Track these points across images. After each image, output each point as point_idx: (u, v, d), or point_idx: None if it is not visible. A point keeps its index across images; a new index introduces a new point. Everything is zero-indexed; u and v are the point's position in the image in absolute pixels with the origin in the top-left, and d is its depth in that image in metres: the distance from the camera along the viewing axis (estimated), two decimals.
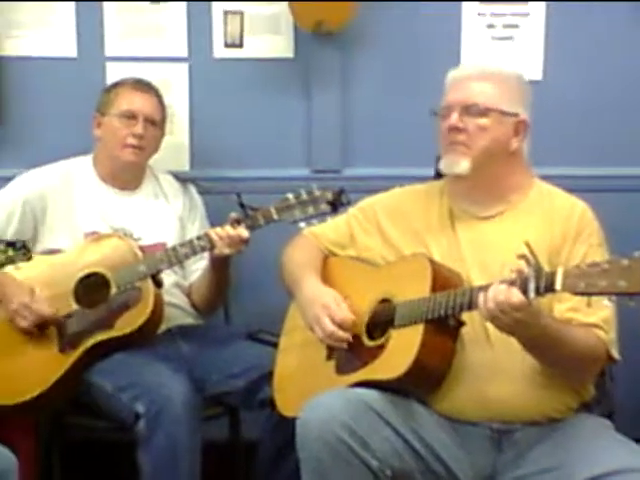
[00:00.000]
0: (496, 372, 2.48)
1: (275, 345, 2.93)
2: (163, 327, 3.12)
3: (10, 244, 2.53)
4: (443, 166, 2.66)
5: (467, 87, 2.63)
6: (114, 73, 3.45)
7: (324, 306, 2.65)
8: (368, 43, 3.53)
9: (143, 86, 3.26)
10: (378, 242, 2.76)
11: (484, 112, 2.60)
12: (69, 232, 3.17)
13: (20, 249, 2.56)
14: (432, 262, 2.56)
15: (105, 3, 3.49)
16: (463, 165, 2.61)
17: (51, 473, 3.15)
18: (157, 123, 3.23)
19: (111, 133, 3.20)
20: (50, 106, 3.53)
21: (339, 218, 2.91)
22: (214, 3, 3.49)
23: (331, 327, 2.62)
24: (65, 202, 3.20)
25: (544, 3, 3.51)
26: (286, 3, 3.37)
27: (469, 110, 2.60)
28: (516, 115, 2.62)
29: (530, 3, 3.51)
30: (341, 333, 2.62)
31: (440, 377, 2.50)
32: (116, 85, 3.27)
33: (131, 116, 3.18)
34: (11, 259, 2.55)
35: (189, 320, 3.26)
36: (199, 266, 3.26)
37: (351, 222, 2.85)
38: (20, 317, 2.99)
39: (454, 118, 2.61)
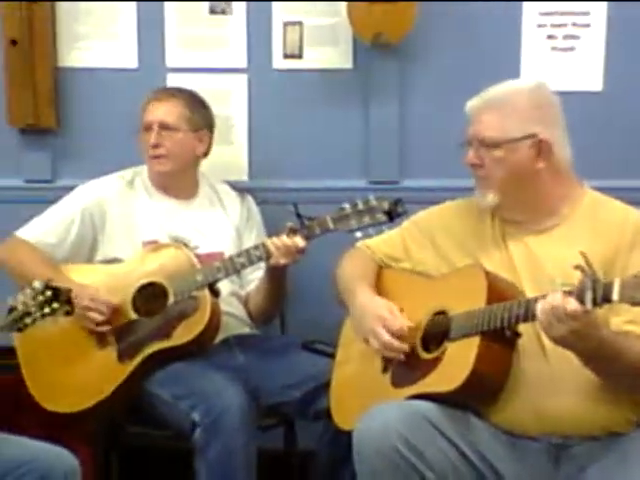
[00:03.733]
0: (553, 385, 2.45)
1: (330, 356, 2.93)
2: (220, 337, 3.13)
3: (55, 295, 2.56)
4: (475, 199, 2.67)
5: (477, 120, 2.63)
6: (174, 84, 3.47)
7: (379, 317, 2.64)
8: (427, 54, 3.52)
9: (160, 95, 3.28)
10: (432, 256, 2.75)
11: (495, 144, 2.58)
12: (128, 241, 3.20)
13: (65, 303, 2.58)
14: (487, 273, 2.55)
15: (166, 14, 3.52)
16: (490, 198, 2.62)
17: None
18: (173, 127, 3.21)
19: (142, 147, 3.26)
20: (111, 117, 3.57)
21: (392, 232, 2.90)
22: (274, 14, 3.51)
23: (387, 337, 2.61)
24: (124, 211, 3.24)
25: (605, 14, 3.48)
26: (345, 14, 3.37)
27: (482, 144, 2.60)
28: (532, 136, 2.57)
29: (591, 14, 3.48)
30: (397, 343, 2.61)
31: (497, 389, 2.48)
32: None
33: (147, 127, 3.23)
34: (53, 311, 2.57)
35: (245, 330, 3.27)
36: (256, 276, 3.26)
37: (405, 236, 2.85)
38: (94, 312, 3.02)
39: (470, 155, 2.62)
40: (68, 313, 2.61)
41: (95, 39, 3.53)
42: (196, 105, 3.27)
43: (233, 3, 3.50)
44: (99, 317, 3.03)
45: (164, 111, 3.22)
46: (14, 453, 2.59)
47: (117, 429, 3.13)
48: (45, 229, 3.20)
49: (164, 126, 3.20)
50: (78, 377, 3.03)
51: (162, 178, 3.27)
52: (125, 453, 3.19)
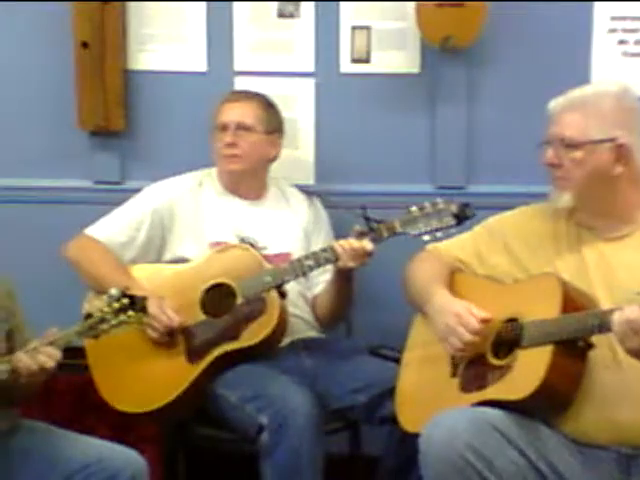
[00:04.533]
0: (625, 396, 2.42)
1: (396, 361, 2.92)
2: (287, 340, 3.14)
3: (131, 303, 2.59)
4: (550, 199, 2.65)
5: (559, 120, 2.61)
6: (242, 87, 3.49)
7: (456, 314, 2.62)
8: (495, 58, 3.50)
9: (236, 96, 3.31)
10: (505, 261, 2.73)
11: (575, 145, 2.56)
12: (196, 241, 3.22)
13: (140, 312, 2.61)
14: (563, 282, 2.52)
15: (235, 17, 3.53)
16: (565, 199, 2.61)
17: None
18: (250, 128, 3.23)
19: (214, 146, 3.28)
20: (179, 120, 3.59)
21: (463, 236, 2.88)
22: (342, 18, 3.51)
23: (469, 336, 2.59)
24: (192, 212, 3.26)
25: None
26: (414, 18, 3.37)
27: (562, 144, 2.58)
28: (612, 140, 2.55)
29: None
30: (477, 338, 2.59)
31: (568, 399, 2.46)
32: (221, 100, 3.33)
33: (223, 128, 3.24)
34: (129, 319, 2.60)
35: (312, 333, 3.27)
36: (323, 278, 3.26)
37: (477, 240, 2.83)
38: (150, 328, 3.04)
39: (549, 155, 2.60)
40: (142, 323, 2.65)
41: (164, 42, 3.56)
42: (269, 108, 3.29)
43: (302, 6, 3.50)
44: (154, 335, 3.04)
45: (241, 112, 3.24)
46: (83, 453, 2.62)
47: (184, 430, 3.13)
48: (115, 228, 3.23)
49: (241, 126, 3.22)
50: (147, 377, 3.04)
51: (233, 178, 3.28)
52: (192, 454, 3.20)
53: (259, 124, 3.25)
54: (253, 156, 3.25)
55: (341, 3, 3.50)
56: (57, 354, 2.50)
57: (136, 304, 2.59)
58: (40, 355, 2.48)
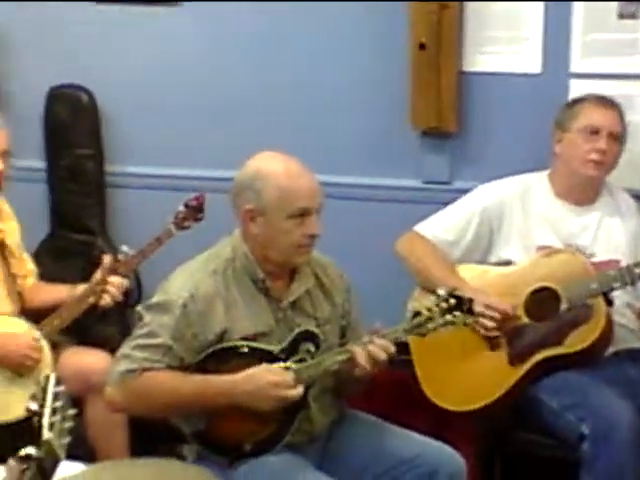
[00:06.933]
0: None
1: None
2: (610, 349, 3.06)
3: (458, 304, 2.62)
4: None
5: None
6: (576, 90, 3.42)
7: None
8: None
9: (606, 102, 3.22)
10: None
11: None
12: (522, 245, 3.20)
13: (466, 313, 2.63)
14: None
15: (574, 19, 3.46)
16: None
17: None
18: (619, 139, 3.17)
19: (572, 148, 3.18)
20: (510, 122, 3.58)
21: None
22: None
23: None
24: (521, 215, 3.23)
25: None
26: None
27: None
28: None
29: None
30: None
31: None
32: (578, 101, 3.25)
33: (594, 131, 3.15)
34: (455, 319, 2.62)
35: (637, 344, 3.16)
36: None
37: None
38: (486, 318, 3.03)
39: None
40: (466, 324, 2.67)
41: (501, 44, 3.55)
42: (624, 117, 3.24)
43: None
44: (490, 324, 3.04)
45: (613, 120, 3.18)
46: (404, 447, 2.70)
47: (501, 432, 3.12)
48: (444, 227, 3.26)
49: (612, 135, 3.16)
50: (469, 377, 3.06)
51: (583, 183, 3.22)
52: (509, 458, 3.18)
53: (623, 136, 3.20)
54: (612, 167, 3.21)
55: None
56: (390, 347, 2.58)
57: (463, 305, 2.62)
58: (373, 348, 2.57)
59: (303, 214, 2.61)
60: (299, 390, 2.57)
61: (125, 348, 2.64)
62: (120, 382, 2.60)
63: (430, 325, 2.62)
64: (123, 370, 2.60)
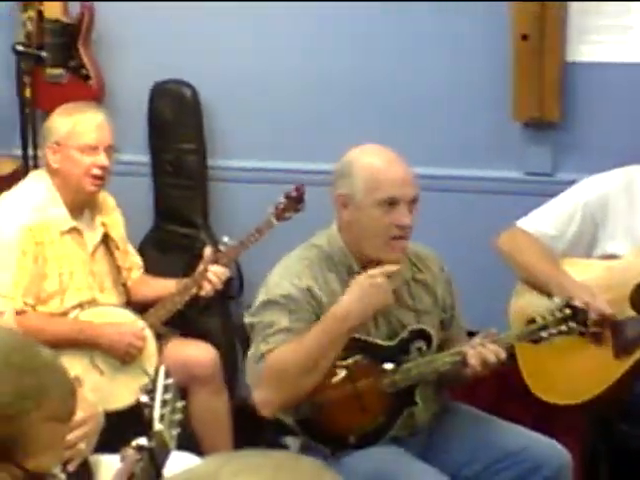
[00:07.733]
0: None
1: None
2: None
3: (574, 315, 2.60)
4: None
5: None
6: None
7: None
8: None
9: None
10: None
11: None
12: (628, 238, 3.13)
13: (581, 324, 2.61)
14: None
15: None
16: None
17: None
18: None
19: None
20: (615, 113, 3.53)
21: None
22: None
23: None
24: (626, 208, 3.17)
25: None
26: None
27: None
28: None
29: None
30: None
31: None
32: None
33: None
34: (569, 330, 2.60)
35: None
36: None
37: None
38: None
39: None
40: (582, 334, 2.66)
41: (606, 33, 3.49)
42: None
43: None
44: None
45: None
46: (508, 440, 2.69)
47: (607, 427, 3.08)
48: (546, 221, 3.22)
49: None
50: (574, 370, 3.02)
51: None
52: (615, 454, 3.13)
53: None
54: None
55: None
56: (501, 353, 2.58)
57: (578, 316, 2.60)
58: (485, 350, 2.57)
59: (392, 203, 2.61)
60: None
61: (252, 352, 2.66)
62: (262, 379, 2.63)
63: (543, 334, 2.64)
64: (260, 368, 2.63)
